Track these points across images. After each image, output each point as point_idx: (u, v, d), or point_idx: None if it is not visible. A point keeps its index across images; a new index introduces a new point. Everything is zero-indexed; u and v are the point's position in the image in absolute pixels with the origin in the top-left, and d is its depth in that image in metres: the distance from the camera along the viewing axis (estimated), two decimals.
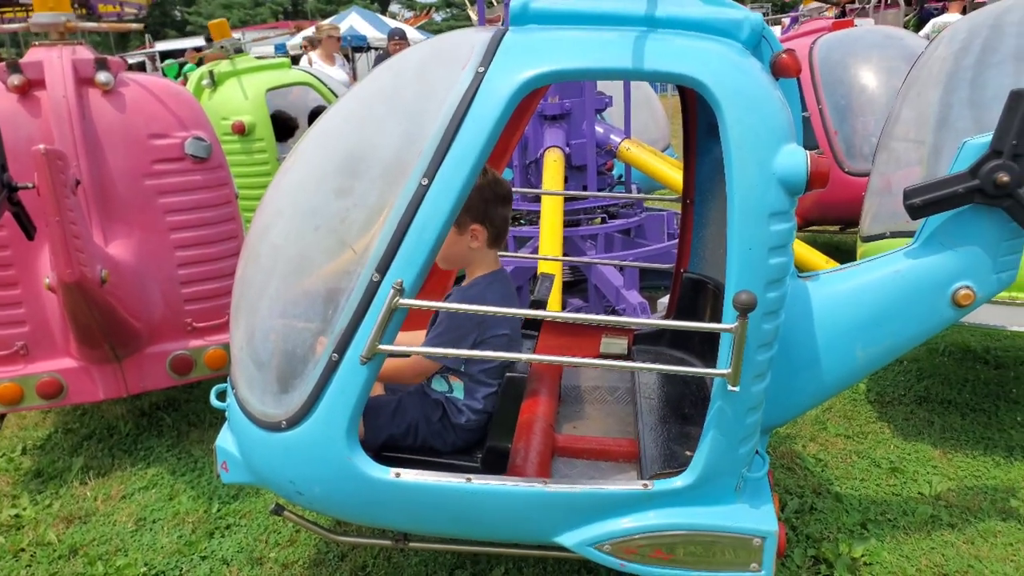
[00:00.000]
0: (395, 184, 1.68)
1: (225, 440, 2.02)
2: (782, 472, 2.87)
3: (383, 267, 1.66)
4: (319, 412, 1.73)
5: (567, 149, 4.32)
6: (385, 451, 2.00)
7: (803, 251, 3.92)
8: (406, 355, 2.05)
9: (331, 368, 1.71)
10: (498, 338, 2.06)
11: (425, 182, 1.65)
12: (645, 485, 1.76)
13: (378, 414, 1.98)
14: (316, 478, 1.79)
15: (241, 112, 5.18)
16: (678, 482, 1.76)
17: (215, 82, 5.34)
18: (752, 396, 1.72)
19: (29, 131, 2.87)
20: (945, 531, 2.49)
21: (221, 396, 2.13)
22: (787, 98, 1.76)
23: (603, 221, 4.66)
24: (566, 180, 4.31)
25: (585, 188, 4.48)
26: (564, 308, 3.99)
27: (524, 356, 1.90)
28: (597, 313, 4.19)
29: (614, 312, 3.99)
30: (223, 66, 5.39)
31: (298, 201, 1.87)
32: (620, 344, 2.68)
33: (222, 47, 5.47)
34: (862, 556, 2.37)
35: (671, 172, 4.37)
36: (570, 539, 1.79)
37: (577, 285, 4.72)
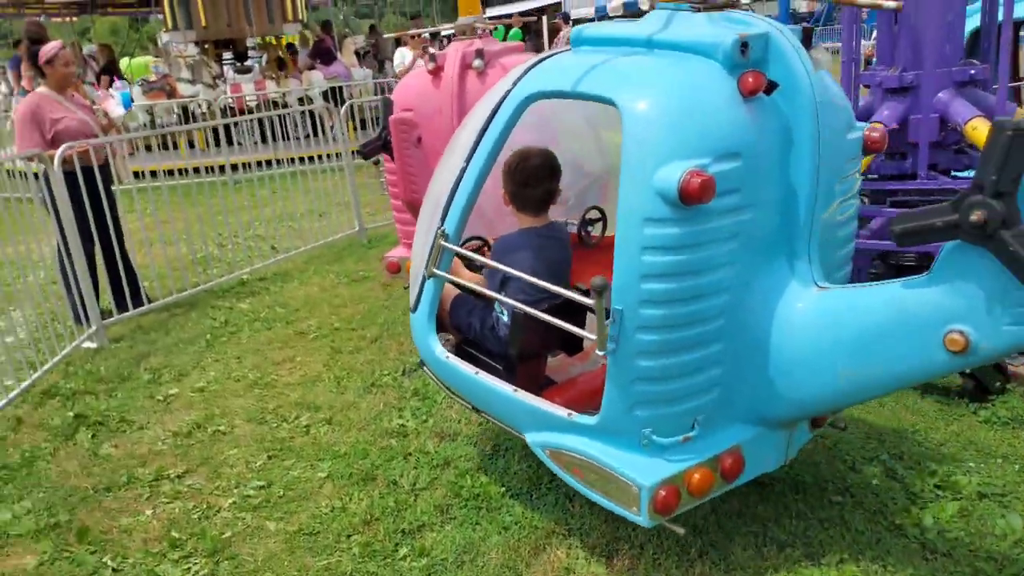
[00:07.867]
0: (458, 162, 2.50)
1: None
2: None
3: (441, 218, 2.53)
4: (421, 304, 2.74)
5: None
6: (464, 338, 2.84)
7: None
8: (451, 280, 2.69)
9: (423, 280, 2.68)
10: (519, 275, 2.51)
11: (464, 165, 2.43)
12: (569, 413, 2.25)
13: (460, 306, 2.83)
14: (419, 345, 2.82)
15: None
16: (591, 420, 2.20)
17: None
18: (638, 368, 2.02)
19: (436, 102, 4.39)
20: None
21: None
22: (793, 110, 1.98)
23: None
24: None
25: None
26: None
27: (521, 306, 2.48)
28: None
29: None
30: None
31: (436, 170, 2.83)
32: None
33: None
34: None
35: None
36: (531, 437, 2.41)
37: None
